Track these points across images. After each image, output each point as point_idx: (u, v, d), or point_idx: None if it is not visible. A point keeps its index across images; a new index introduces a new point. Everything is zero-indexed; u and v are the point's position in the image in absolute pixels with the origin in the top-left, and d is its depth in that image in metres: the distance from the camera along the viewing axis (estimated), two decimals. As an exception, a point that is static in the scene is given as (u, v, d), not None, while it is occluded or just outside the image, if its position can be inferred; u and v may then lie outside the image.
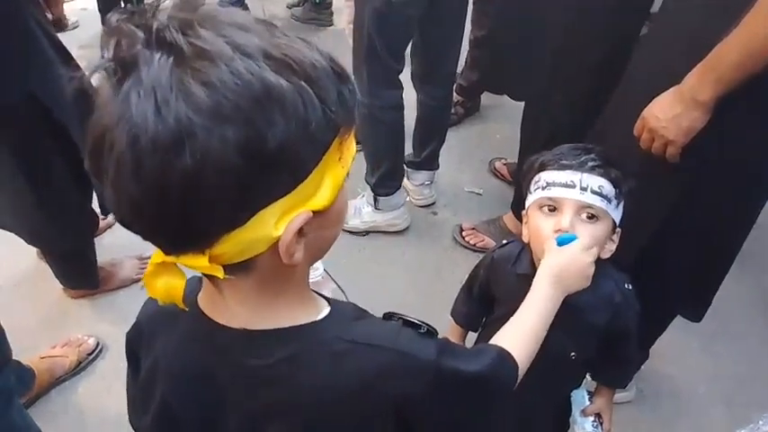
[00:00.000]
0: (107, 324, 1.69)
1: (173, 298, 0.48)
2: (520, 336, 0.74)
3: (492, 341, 0.72)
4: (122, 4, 2.86)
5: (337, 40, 2.88)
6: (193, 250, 0.45)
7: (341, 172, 0.49)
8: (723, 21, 0.91)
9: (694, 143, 1.01)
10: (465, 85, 2.52)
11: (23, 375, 1.45)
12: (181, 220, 0.42)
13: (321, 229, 0.51)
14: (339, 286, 1.78)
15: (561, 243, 0.86)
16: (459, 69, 2.49)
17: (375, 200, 1.99)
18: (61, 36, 1.40)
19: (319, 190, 0.47)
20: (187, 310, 0.50)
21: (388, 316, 0.61)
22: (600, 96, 1.63)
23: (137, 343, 0.63)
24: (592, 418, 1.11)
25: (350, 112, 0.48)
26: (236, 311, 0.53)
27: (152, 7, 0.42)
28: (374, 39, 1.68)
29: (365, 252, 2.00)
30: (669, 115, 1.00)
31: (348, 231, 2.03)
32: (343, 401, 0.54)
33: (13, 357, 1.37)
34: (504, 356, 0.66)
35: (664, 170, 1.07)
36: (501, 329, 0.76)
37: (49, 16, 1.32)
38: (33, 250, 1.80)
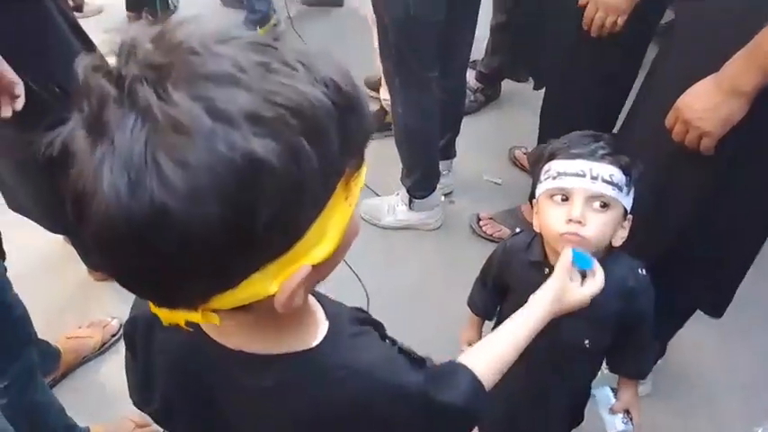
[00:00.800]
0: (129, 306, 1.73)
1: (174, 322, 0.46)
2: (502, 355, 0.72)
3: (476, 352, 0.72)
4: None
5: (353, 20, 2.85)
6: (184, 308, 0.43)
7: (347, 211, 0.45)
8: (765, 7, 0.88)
9: (727, 135, 0.98)
10: (486, 72, 2.49)
11: (51, 354, 1.50)
12: (164, 293, 0.41)
13: (324, 271, 0.48)
14: (355, 273, 1.79)
15: (577, 259, 0.85)
16: (481, 56, 2.47)
17: (410, 200, 1.99)
18: (84, 22, 1.42)
19: (321, 241, 0.43)
20: (191, 330, 0.48)
21: (383, 336, 0.60)
22: (620, 86, 1.60)
23: (133, 337, 0.63)
24: (621, 415, 1.10)
25: (359, 147, 0.44)
26: (232, 333, 0.52)
27: (125, 51, 0.37)
28: (402, 51, 1.66)
29: (381, 239, 2.01)
30: (707, 106, 0.96)
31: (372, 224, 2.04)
32: (332, 423, 0.54)
33: (41, 337, 1.43)
34: (477, 387, 0.65)
35: (694, 162, 1.04)
36: (487, 340, 0.75)
37: (71, 2, 1.33)
38: (59, 233, 1.85)
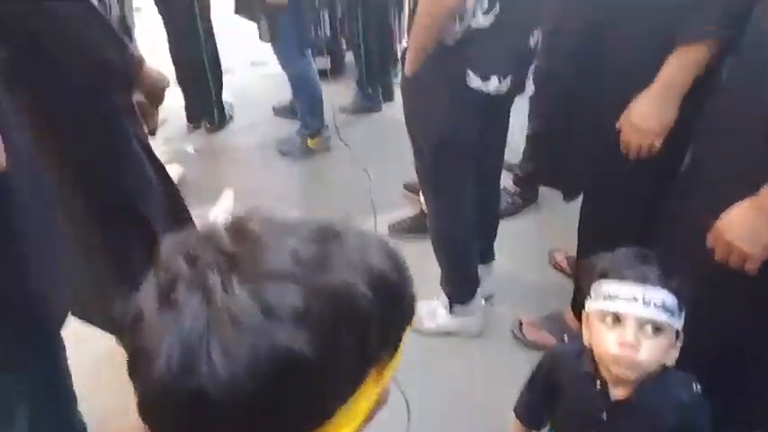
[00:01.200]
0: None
1: None
2: None
3: None
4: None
5: (393, 125, 2.97)
6: None
7: (376, 394, 0.47)
8: None
9: None
10: (522, 176, 2.56)
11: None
12: None
13: None
14: (394, 379, 1.76)
15: None
16: (517, 161, 2.56)
17: (450, 306, 2.00)
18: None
19: (347, 423, 0.45)
20: None
21: None
22: (658, 198, 1.62)
23: None
24: None
25: (396, 338, 0.47)
26: None
27: (203, 237, 0.43)
28: (437, 170, 1.74)
29: (422, 344, 1.98)
30: (747, 228, 0.98)
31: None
32: None
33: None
34: None
35: (734, 283, 1.05)
36: None
37: (146, 128, 1.49)
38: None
